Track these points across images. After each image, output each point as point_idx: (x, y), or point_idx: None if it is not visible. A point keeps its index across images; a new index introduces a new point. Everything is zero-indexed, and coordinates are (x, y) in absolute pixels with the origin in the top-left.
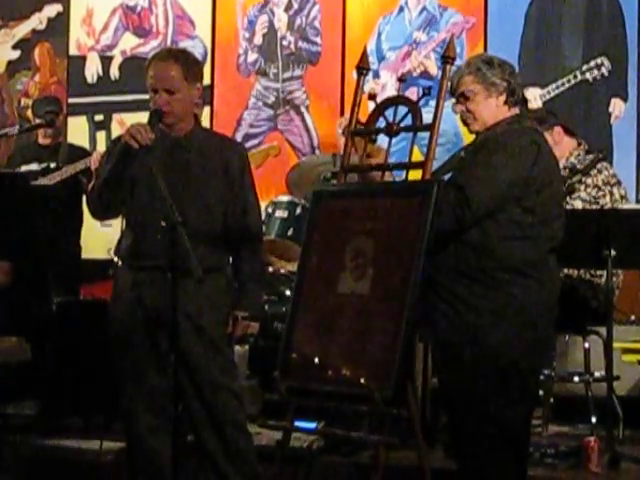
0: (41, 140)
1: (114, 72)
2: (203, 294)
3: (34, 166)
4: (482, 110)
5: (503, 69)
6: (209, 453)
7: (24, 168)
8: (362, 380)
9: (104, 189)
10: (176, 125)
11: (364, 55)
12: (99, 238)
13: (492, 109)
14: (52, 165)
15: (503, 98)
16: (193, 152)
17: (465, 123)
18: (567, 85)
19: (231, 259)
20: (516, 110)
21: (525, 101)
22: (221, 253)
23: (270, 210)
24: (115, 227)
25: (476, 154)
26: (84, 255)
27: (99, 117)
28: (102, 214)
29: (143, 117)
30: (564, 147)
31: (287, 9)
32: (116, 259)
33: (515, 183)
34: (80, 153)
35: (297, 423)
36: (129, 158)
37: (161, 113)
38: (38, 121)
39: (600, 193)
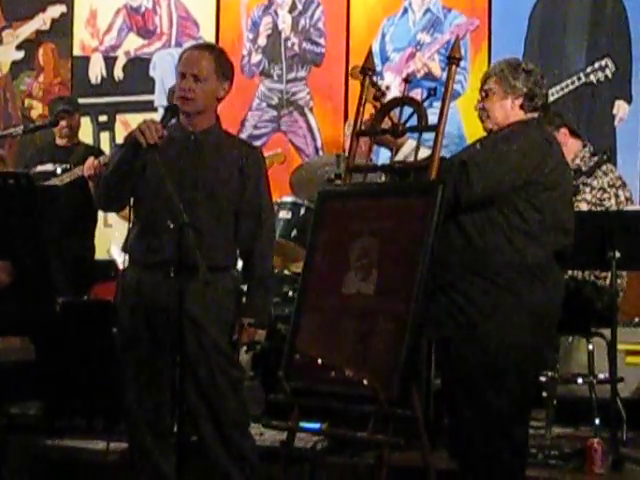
0: (58, 141)
1: (118, 73)
2: (208, 294)
3: (49, 166)
4: (496, 109)
5: (528, 76)
6: (211, 452)
7: (40, 168)
8: (365, 381)
9: (110, 180)
10: (194, 118)
11: (369, 56)
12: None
13: (506, 110)
14: (65, 166)
15: (519, 102)
16: (208, 149)
17: (481, 120)
18: (571, 87)
19: (240, 262)
20: (534, 115)
21: (548, 109)
22: (229, 253)
23: None
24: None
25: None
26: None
27: (103, 118)
28: (105, 204)
29: (146, 118)
30: (570, 148)
31: (291, 10)
32: (119, 258)
33: (519, 175)
34: (96, 154)
35: (301, 424)
36: (137, 153)
37: (176, 109)
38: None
39: (605, 195)
